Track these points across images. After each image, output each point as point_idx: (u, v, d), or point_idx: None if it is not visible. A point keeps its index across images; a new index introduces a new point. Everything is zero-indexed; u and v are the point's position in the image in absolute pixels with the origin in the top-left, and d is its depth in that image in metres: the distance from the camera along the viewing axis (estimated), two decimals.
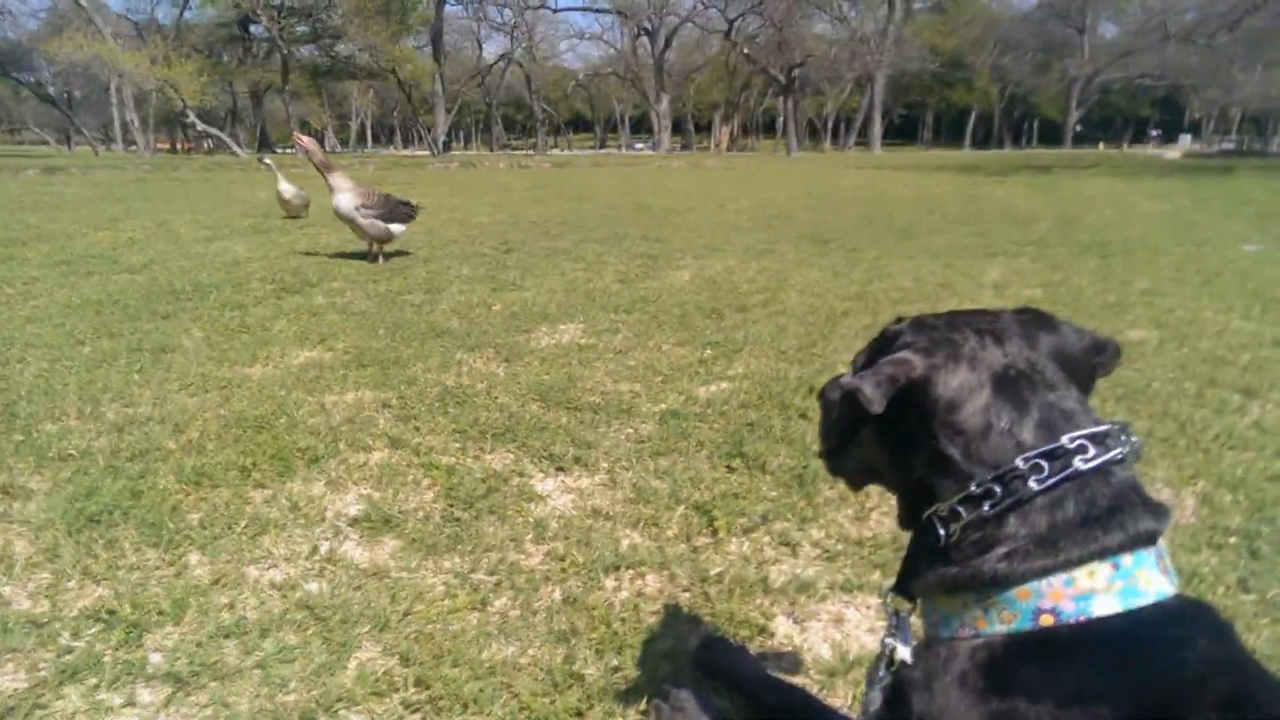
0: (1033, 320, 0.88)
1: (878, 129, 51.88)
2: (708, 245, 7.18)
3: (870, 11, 57.59)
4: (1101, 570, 0.72)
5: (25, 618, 1.67)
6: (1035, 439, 0.77)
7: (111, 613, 1.69)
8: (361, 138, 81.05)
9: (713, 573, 1.87)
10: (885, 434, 0.87)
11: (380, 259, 6.23)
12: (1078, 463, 0.75)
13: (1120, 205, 11.23)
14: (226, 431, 2.69)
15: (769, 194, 13.65)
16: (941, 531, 0.80)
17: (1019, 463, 0.76)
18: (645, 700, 1.45)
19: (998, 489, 0.76)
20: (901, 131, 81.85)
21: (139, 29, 46.76)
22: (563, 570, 1.88)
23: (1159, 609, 0.72)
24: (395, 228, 6.27)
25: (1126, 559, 0.73)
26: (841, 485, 2.31)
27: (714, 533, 2.06)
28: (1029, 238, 7.67)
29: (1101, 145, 56.13)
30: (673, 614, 1.72)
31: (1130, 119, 72.71)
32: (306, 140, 6.48)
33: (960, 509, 0.78)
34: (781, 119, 54.88)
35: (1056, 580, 0.73)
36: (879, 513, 2.15)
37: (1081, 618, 0.71)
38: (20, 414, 2.82)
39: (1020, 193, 13.73)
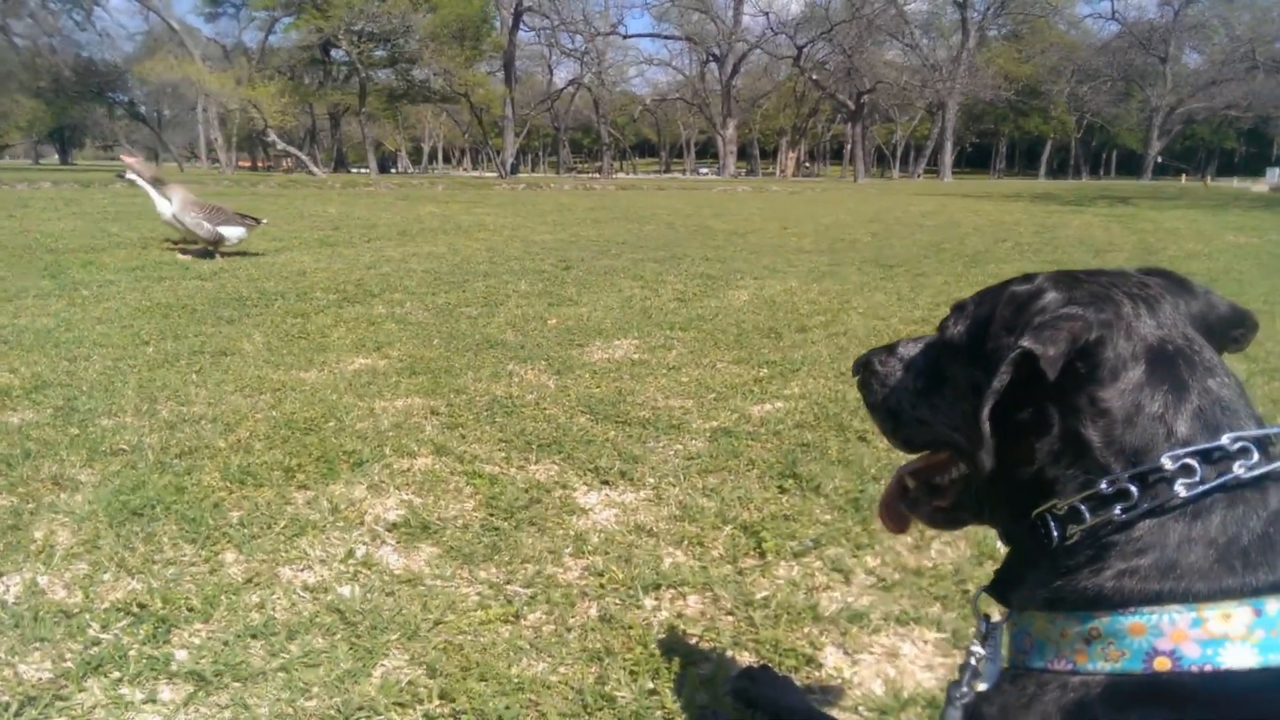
0: (1173, 285, 0.75)
1: (948, 157, 51.19)
2: (768, 267, 7.07)
3: (943, 38, 57.17)
4: (1240, 614, 0.59)
5: (57, 608, 1.66)
6: (1190, 433, 0.64)
7: (142, 606, 1.66)
8: (433, 159, 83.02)
9: (758, 597, 1.76)
10: (1004, 408, 0.70)
11: (218, 256, 6.93)
12: (1238, 469, 0.62)
13: (1204, 238, 10.76)
14: (275, 432, 2.69)
15: (834, 219, 13.47)
16: (1055, 533, 0.68)
17: (1166, 461, 0.63)
18: None
19: (1134, 489, 0.63)
20: (973, 160, 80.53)
21: (226, 52, 48.88)
22: (601, 586, 1.80)
23: None
24: (226, 230, 6.99)
25: (1273, 605, 0.59)
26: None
27: (762, 555, 1.95)
28: (1105, 267, 7.38)
29: (1184, 177, 54.26)
30: (714, 638, 1.62)
31: (1215, 150, 70.26)
32: (131, 159, 7.18)
33: (1083, 508, 0.66)
34: (849, 145, 54.48)
35: (1182, 619, 0.60)
36: (940, 542, 2.02)
37: (1207, 667, 0.58)
38: (80, 408, 2.87)
39: (1097, 223, 13.29)
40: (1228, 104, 53.48)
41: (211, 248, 7.02)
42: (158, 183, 7.14)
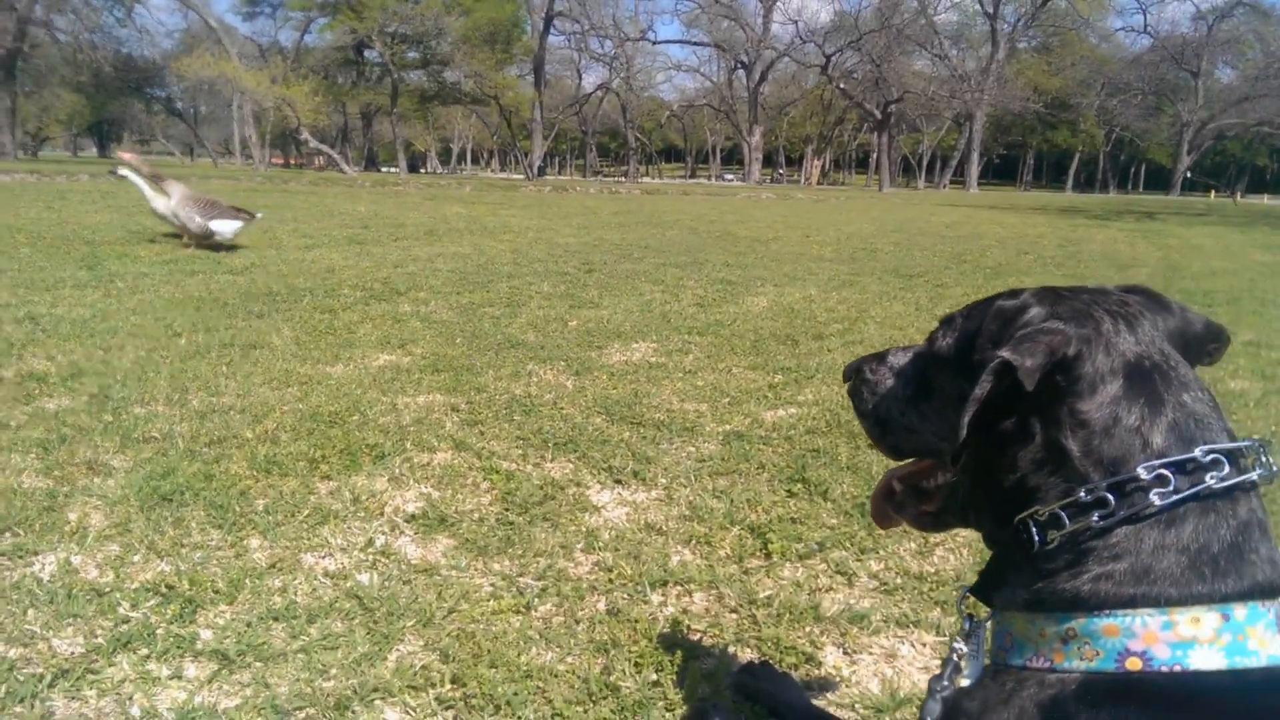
0: (1152, 303, 0.79)
1: (975, 168, 50.78)
2: (789, 274, 7.10)
3: (972, 49, 56.75)
4: (1208, 619, 0.62)
5: (89, 586, 1.74)
6: (1165, 444, 0.67)
7: (170, 587, 1.74)
8: (461, 160, 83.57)
9: (762, 596, 1.81)
10: (989, 418, 0.73)
11: (192, 247, 7.09)
12: (1210, 480, 0.65)
13: (1230, 255, 10.66)
14: (301, 424, 2.77)
15: (856, 227, 13.46)
16: (1036, 538, 0.70)
17: (1141, 471, 0.66)
18: (679, 718, 1.41)
19: (1112, 498, 0.67)
20: (1000, 171, 79.94)
21: (262, 50, 49.56)
22: (610, 581, 1.86)
23: (1274, 674, 0.61)
24: (216, 225, 7.12)
25: (1239, 611, 0.63)
26: None
27: (768, 556, 2.00)
28: (1128, 283, 7.35)
29: (1213, 193, 53.52)
30: (717, 634, 1.67)
31: (1246, 167, 69.23)
32: (127, 155, 7.27)
33: (1063, 515, 0.69)
34: (875, 154, 54.22)
35: (1153, 621, 0.63)
36: (943, 549, 2.06)
37: (1176, 667, 0.62)
38: (113, 396, 2.97)
39: (1122, 238, 13.19)
40: (1260, 120, 52.66)
41: (201, 241, 7.11)
42: (156, 179, 7.28)
